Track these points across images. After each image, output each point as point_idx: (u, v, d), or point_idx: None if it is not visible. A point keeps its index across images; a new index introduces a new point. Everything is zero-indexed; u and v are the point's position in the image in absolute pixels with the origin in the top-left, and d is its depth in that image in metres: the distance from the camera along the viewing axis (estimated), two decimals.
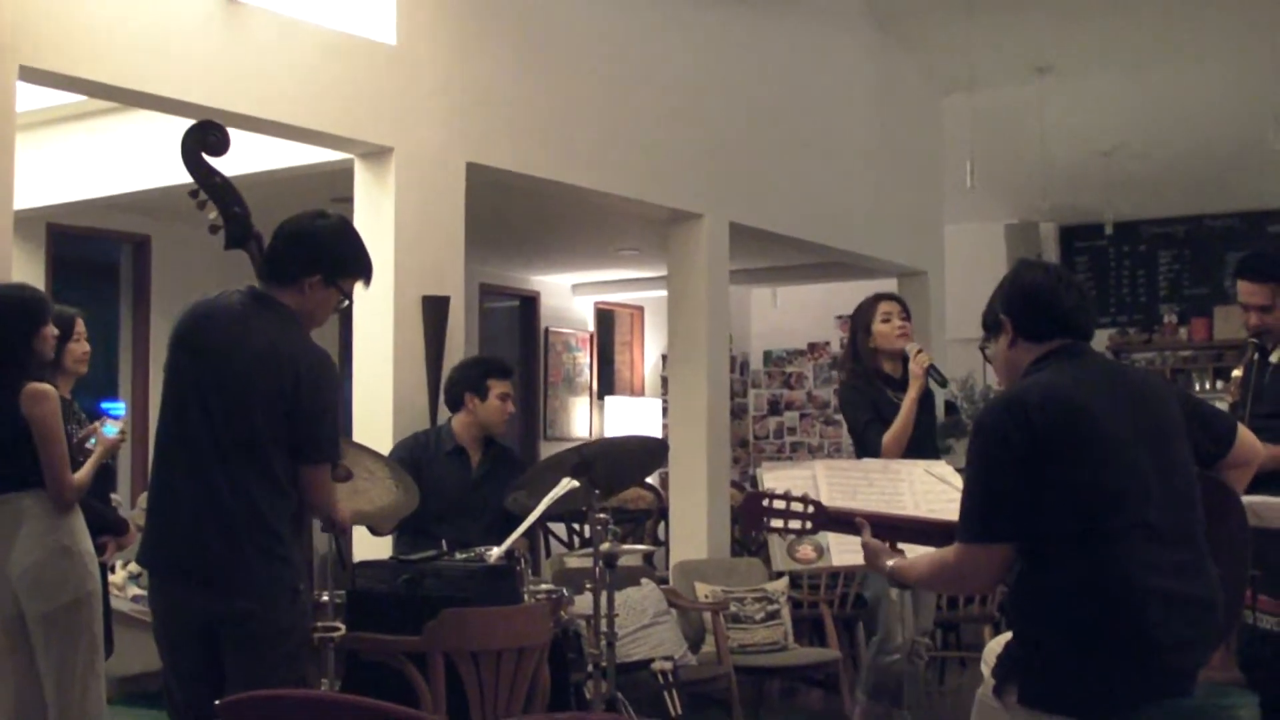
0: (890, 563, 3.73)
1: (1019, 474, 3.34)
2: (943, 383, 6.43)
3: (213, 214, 4.35)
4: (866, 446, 6.19)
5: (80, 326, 5.86)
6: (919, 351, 6.31)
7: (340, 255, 4.29)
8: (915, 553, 3.78)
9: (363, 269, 4.36)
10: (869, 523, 3.86)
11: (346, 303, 4.36)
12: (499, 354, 9.51)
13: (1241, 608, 4.02)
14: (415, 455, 6.33)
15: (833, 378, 14.34)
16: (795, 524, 3.92)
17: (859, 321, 6.49)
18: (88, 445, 5.60)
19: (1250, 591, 4.23)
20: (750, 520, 4.00)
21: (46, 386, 5.20)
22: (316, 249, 4.24)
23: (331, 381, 4.21)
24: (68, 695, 5.14)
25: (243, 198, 4.38)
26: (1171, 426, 3.52)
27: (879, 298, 6.57)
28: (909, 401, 6.21)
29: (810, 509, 3.91)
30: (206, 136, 4.37)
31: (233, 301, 4.22)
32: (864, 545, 3.80)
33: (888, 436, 6.14)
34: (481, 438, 6.47)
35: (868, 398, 6.32)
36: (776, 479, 4.44)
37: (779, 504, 3.91)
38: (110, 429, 5.68)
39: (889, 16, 10.92)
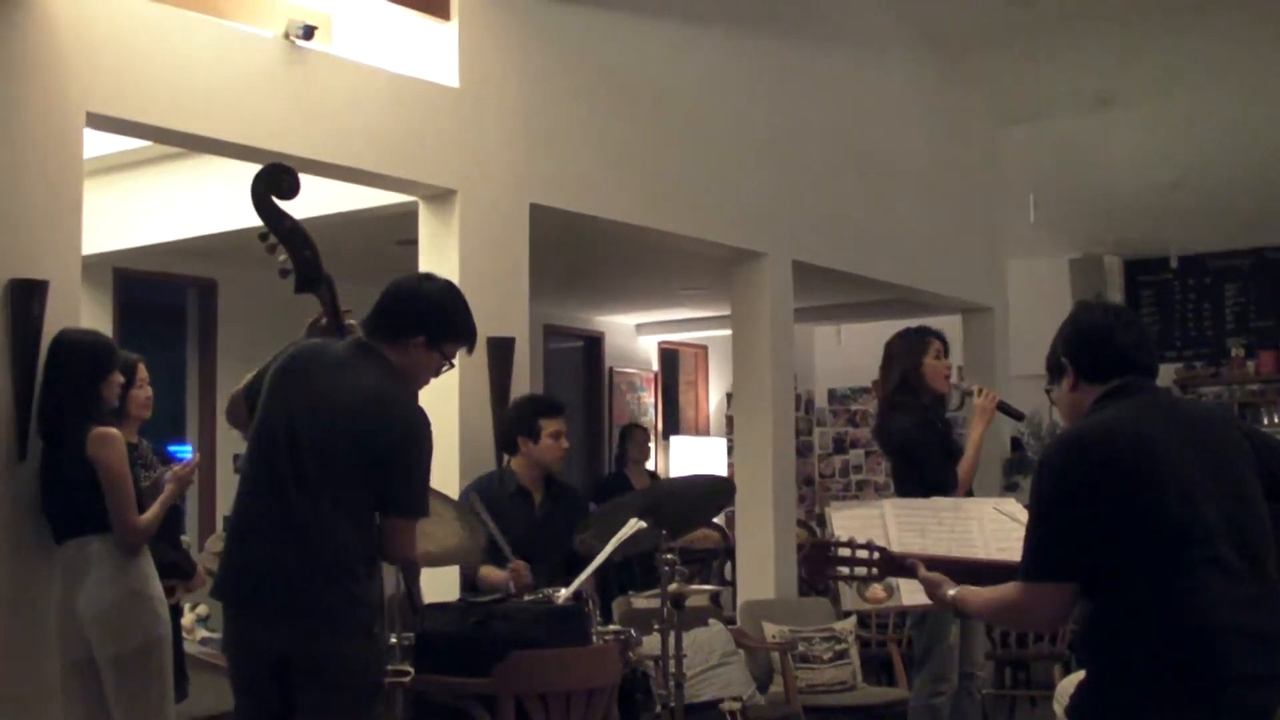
0: (951, 592, 3.69)
1: (1082, 511, 3.30)
2: (1019, 416, 6.40)
3: (282, 257, 4.38)
4: (943, 481, 6.08)
5: (142, 371, 5.88)
6: (983, 391, 6.29)
7: (445, 319, 4.34)
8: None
9: (466, 335, 4.41)
10: (923, 562, 3.83)
11: (449, 367, 4.39)
12: (564, 395, 9.49)
13: None
14: (480, 498, 6.31)
15: None
16: (861, 571, 3.88)
17: (912, 354, 6.40)
18: (163, 480, 5.59)
19: None
20: (815, 571, 3.97)
21: (112, 430, 5.24)
22: (422, 310, 4.30)
23: (429, 439, 4.23)
24: None
25: (313, 241, 4.41)
26: (1238, 459, 3.48)
27: (931, 333, 6.48)
28: (977, 435, 6.23)
29: (875, 555, 3.87)
30: (278, 181, 4.40)
31: (339, 348, 4.27)
32: (921, 579, 3.76)
33: (963, 469, 6.18)
34: (542, 477, 6.44)
35: (935, 433, 6.30)
36: (844, 519, 4.43)
37: (844, 552, 3.87)
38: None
39: (950, 50, 10.88)
